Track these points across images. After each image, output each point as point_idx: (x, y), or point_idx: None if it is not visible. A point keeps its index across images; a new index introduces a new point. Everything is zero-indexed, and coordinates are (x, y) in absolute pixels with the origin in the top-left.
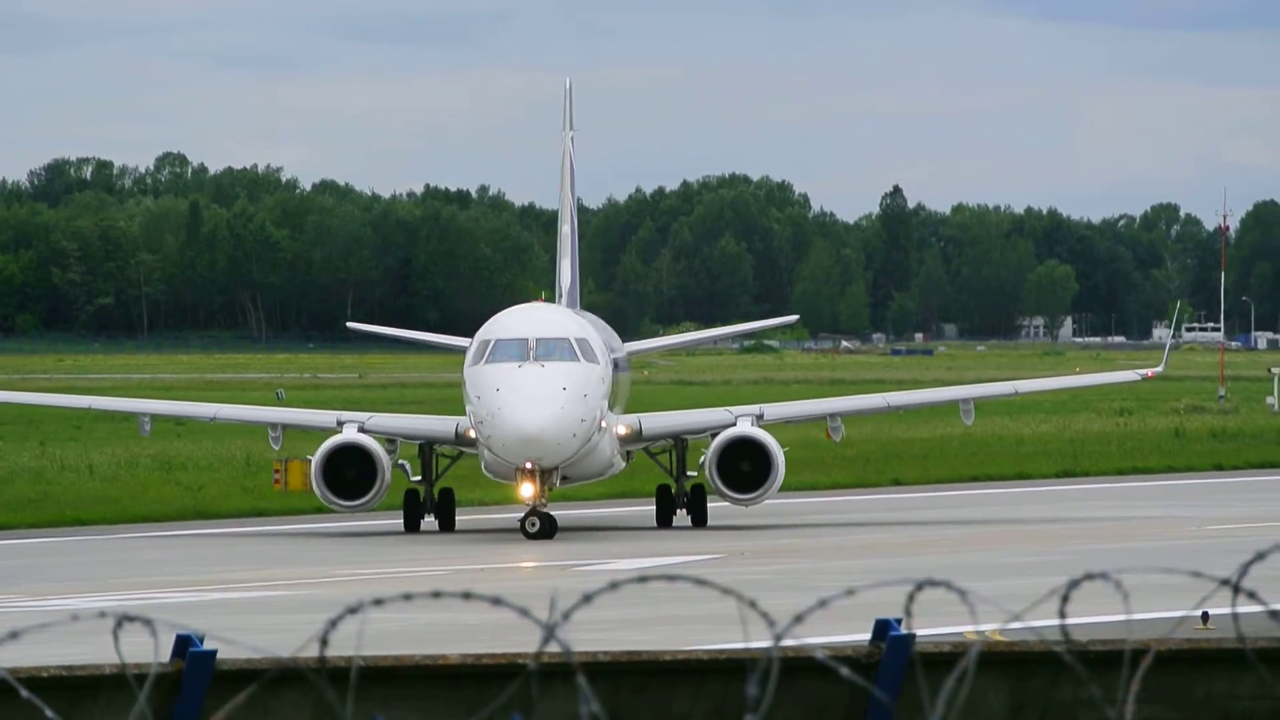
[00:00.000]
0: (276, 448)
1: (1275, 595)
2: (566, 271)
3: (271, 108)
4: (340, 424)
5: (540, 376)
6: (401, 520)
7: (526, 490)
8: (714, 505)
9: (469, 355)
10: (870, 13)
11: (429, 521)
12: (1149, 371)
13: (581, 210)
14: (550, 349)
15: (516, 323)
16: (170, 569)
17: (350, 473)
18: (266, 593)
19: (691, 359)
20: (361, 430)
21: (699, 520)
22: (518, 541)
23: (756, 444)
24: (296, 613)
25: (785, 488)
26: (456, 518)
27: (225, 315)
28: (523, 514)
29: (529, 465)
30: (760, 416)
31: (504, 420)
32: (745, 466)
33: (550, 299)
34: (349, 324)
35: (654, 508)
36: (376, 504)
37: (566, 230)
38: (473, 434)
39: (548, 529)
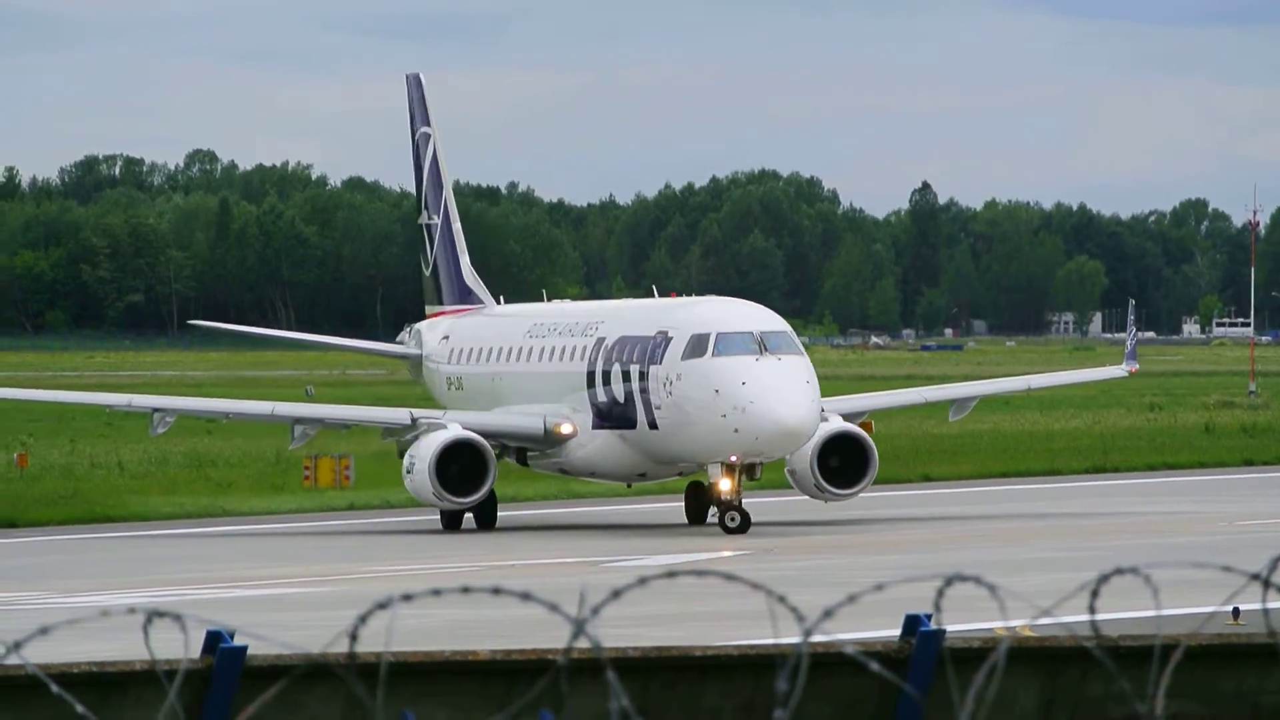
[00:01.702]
0: (297, 447)
1: None
2: (463, 262)
3: (301, 105)
4: (414, 420)
5: (782, 370)
6: (439, 518)
7: (725, 485)
8: (787, 500)
9: (672, 348)
10: (899, 10)
11: (467, 519)
12: (1131, 367)
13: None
14: (777, 342)
15: (727, 316)
16: (200, 565)
17: (453, 469)
18: (296, 589)
19: None
20: (459, 428)
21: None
22: (546, 537)
23: (852, 438)
24: (326, 609)
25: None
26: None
27: (255, 312)
28: (719, 509)
29: (733, 460)
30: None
31: (760, 413)
32: (834, 462)
33: (577, 296)
34: (190, 321)
35: (683, 504)
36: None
37: (459, 227)
38: (651, 424)
39: (746, 524)
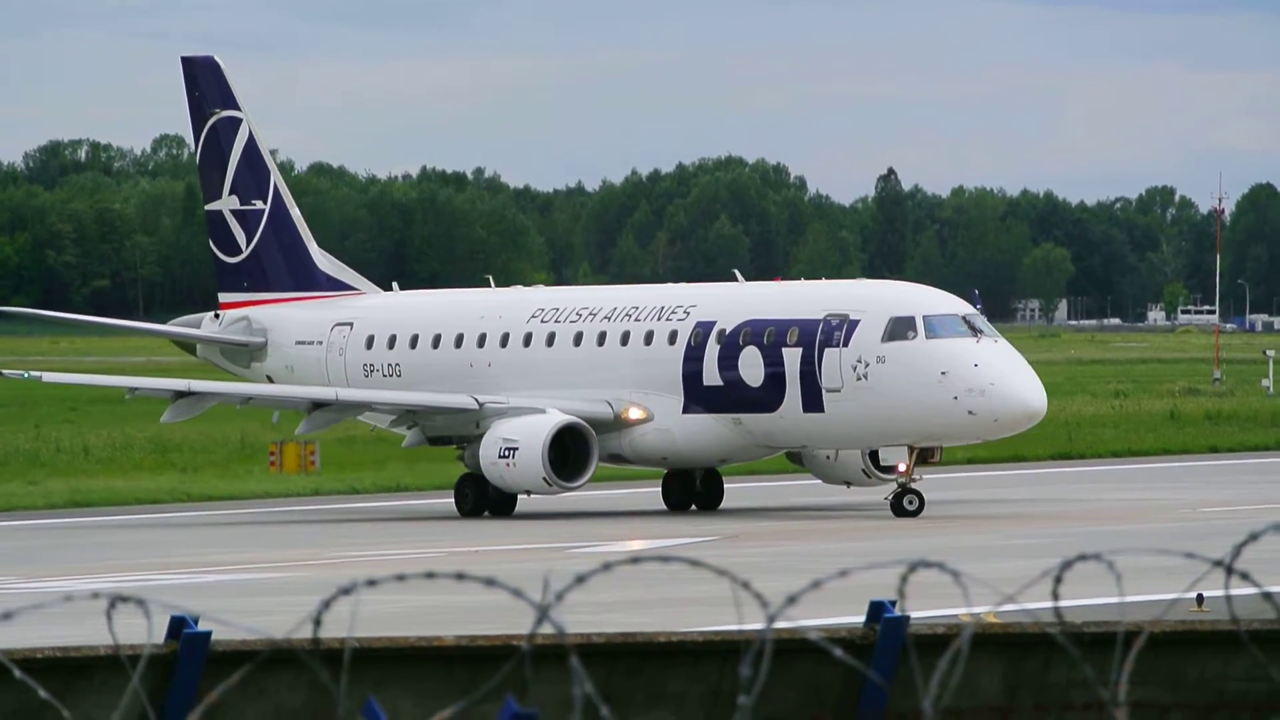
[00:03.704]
0: (306, 431)
1: (1269, 577)
2: (312, 248)
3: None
4: (480, 404)
5: (1003, 351)
6: (453, 502)
7: (902, 466)
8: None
9: (862, 331)
10: None
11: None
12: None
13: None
14: (981, 324)
15: (919, 299)
16: (164, 551)
17: (550, 453)
18: (261, 574)
19: None
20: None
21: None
22: (512, 523)
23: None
24: (291, 594)
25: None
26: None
27: None
28: (897, 492)
29: (958, 442)
30: None
31: (1003, 395)
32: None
33: (545, 283)
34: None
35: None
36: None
37: (298, 213)
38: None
39: (922, 506)
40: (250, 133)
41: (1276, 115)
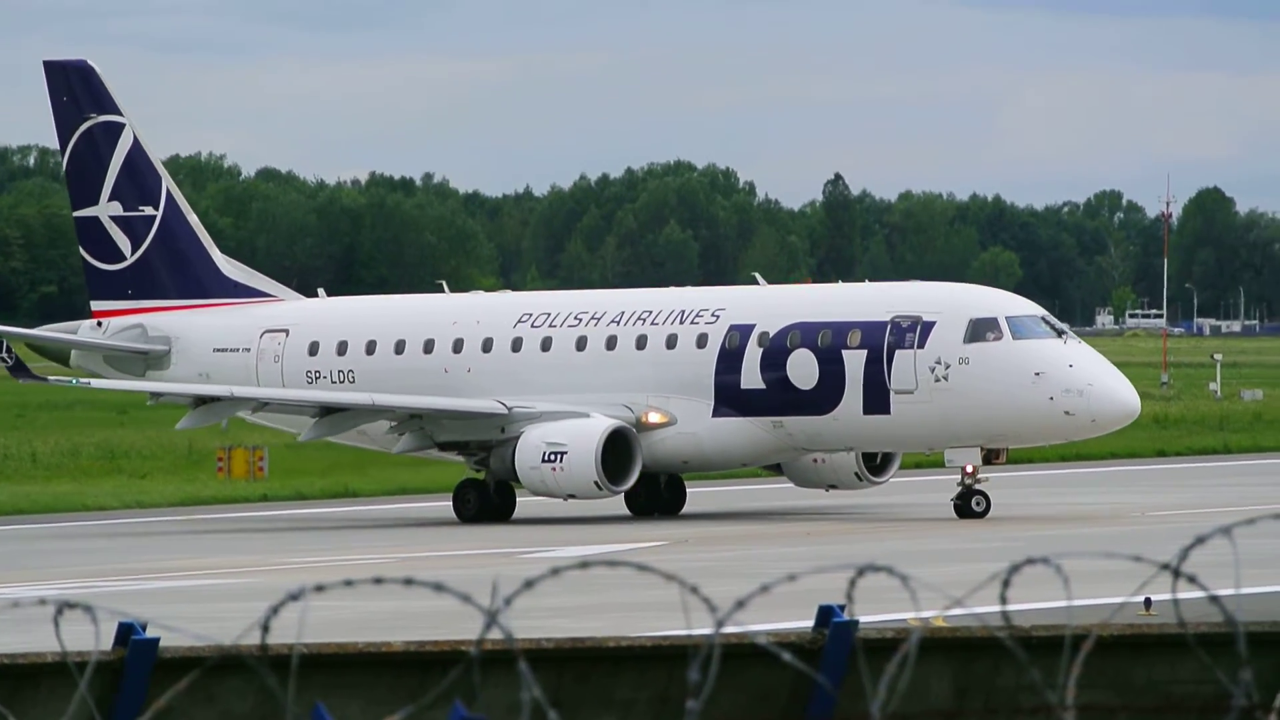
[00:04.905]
0: (308, 438)
1: (1216, 580)
2: (215, 255)
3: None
4: (509, 408)
5: (1091, 352)
6: (450, 504)
7: (969, 467)
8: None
9: (940, 332)
10: (812, 1)
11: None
12: None
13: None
14: (1061, 325)
15: (994, 300)
16: (112, 557)
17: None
18: (209, 581)
19: None
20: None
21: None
22: (461, 528)
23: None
24: (239, 600)
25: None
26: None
27: None
28: (964, 493)
29: (1043, 443)
30: None
31: (1102, 394)
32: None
33: (493, 287)
34: None
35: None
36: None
37: (196, 219)
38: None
39: (989, 507)
40: (135, 138)
41: (1224, 120)
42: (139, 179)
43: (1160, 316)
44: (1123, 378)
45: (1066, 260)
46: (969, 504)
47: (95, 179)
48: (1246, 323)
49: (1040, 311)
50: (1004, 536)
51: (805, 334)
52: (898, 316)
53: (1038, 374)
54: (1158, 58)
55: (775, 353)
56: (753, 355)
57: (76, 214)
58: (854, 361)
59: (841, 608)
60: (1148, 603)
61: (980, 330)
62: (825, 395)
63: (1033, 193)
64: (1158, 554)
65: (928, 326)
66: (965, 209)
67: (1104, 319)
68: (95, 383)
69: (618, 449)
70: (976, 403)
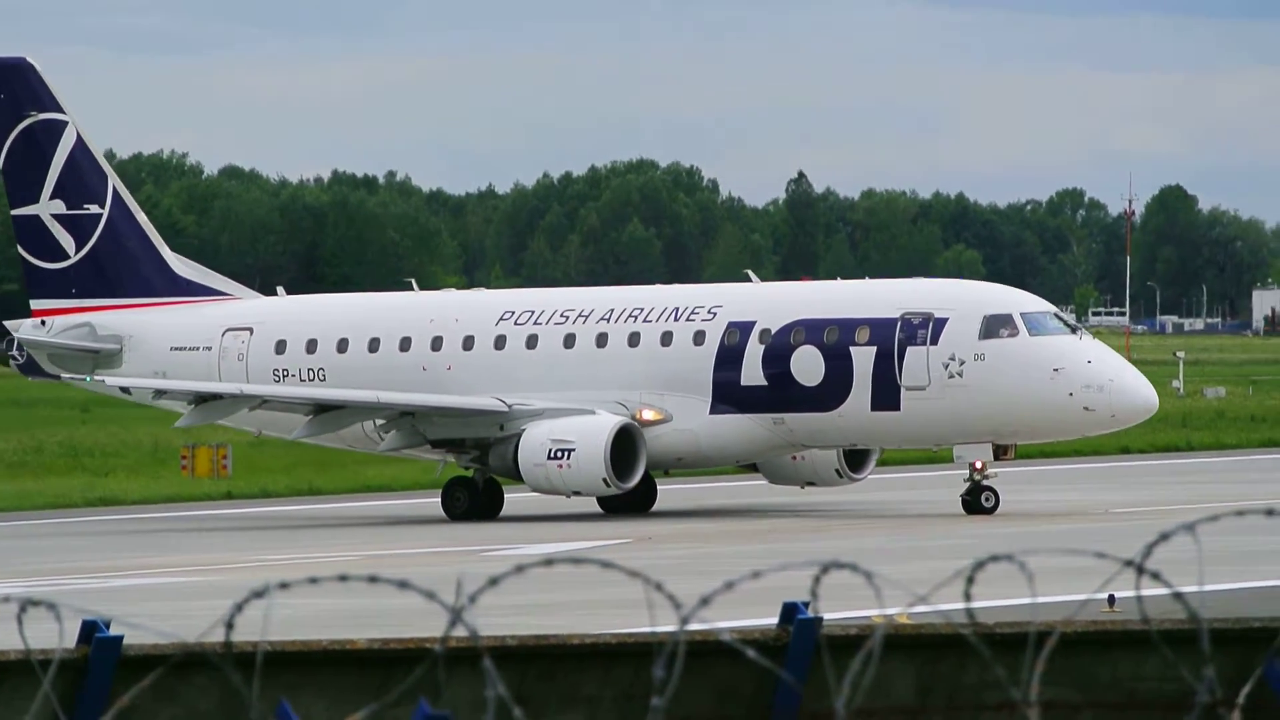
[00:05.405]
0: (300, 437)
1: (1180, 577)
2: (165, 253)
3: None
4: (510, 405)
5: (1107, 348)
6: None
7: (979, 463)
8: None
9: (954, 328)
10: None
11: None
12: None
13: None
14: (1074, 321)
15: (1005, 297)
16: (76, 555)
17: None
18: (173, 579)
19: None
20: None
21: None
22: (426, 526)
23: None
24: (203, 598)
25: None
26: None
27: None
28: (974, 489)
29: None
30: None
31: (1122, 390)
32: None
33: (457, 285)
34: None
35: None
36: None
37: (145, 217)
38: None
39: (998, 503)
40: (78, 135)
41: (1185, 117)
42: (83, 177)
43: (1123, 314)
44: (1139, 374)
45: (1029, 258)
46: (979, 499)
47: (35, 177)
48: (1209, 320)
49: (1052, 308)
50: (970, 534)
51: (810, 331)
52: (908, 313)
53: (1056, 370)
54: (1119, 56)
55: (778, 349)
56: (754, 352)
57: (15, 212)
58: (862, 358)
59: (806, 604)
60: (1111, 600)
61: (995, 326)
62: (831, 392)
63: (995, 191)
64: (1121, 551)
65: (940, 323)
66: (928, 207)
67: (1067, 317)
68: (109, 380)
69: (622, 446)
70: (993, 399)
